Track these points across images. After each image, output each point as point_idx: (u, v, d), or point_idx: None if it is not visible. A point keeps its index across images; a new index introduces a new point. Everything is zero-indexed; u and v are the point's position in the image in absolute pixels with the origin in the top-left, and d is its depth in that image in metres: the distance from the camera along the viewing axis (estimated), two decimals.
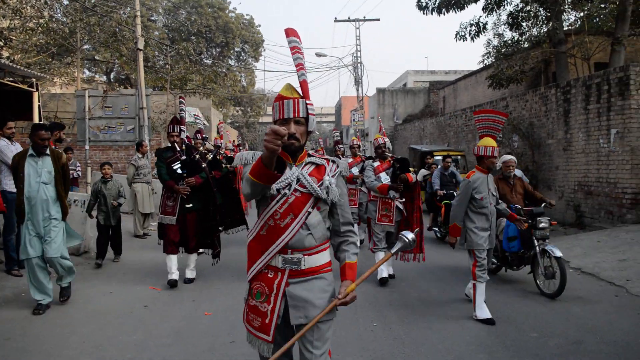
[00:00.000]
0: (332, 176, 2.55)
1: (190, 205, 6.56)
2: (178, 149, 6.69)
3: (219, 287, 6.55)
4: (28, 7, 17.68)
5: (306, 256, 2.47)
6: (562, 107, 12.35)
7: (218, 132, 13.08)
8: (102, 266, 7.68)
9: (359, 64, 29.18)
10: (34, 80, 11.94)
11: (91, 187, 6.77)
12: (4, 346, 4.53)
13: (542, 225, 6.39)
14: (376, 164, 7.08)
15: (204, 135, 9.15)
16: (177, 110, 22.31)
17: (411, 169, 7.00)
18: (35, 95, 11.89)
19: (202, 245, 6.85)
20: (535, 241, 6.41)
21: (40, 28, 18.28)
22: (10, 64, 11.42)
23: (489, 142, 5.62)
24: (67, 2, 20.37)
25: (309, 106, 2.53)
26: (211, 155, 7.86)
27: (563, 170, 12.27)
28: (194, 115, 12.36)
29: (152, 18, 37.49)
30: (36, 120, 11.93)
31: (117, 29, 18.79)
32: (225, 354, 4.32)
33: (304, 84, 2.58)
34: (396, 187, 6.77)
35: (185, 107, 7.36)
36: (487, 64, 18.69)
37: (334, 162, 2.61)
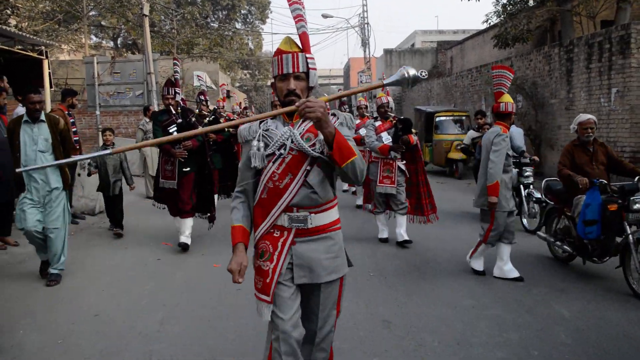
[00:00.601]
0: None
1: (188, 168, 6.49)
2: (173, 111, 6.56)
3: (227, 243, 6.76)
4: None
5: (313, 214, 2.40)
6: (565, 66, 12.42)
7: (221, 94, 13.08)
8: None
9: (365, 25, 28.99)
10: (43, 48, 12.19)
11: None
12: (32, 295, 4.94)
13: (637, 206, 4.86)
14: (377, 123, 6.87)
15: (206, 97, 9.17)
16: (186, 76, 22.58)
17: (413, 130, 6.80)
18: (45, 63, 12.13)
19: (197, 209, 6.74)
20: (628, 227, 4.91)
21: None
22: (20, 33, 11.67)
23: (508, 98, 5.44)
24: None
25: (309, 60, 2.40)
26: (209, 119, 7.82)
27: (565, 130, 12.42)
28: (197, 76, 12.11)
29: None
30: (47, 87, 12.24)
31: None
32: (232, 303, 4.70)
33: (303, 37, 2.44)
34: (397, 147, 6.57)
35: (179, 68, 7.05)
36: (492, 23, 18.55)
37: (334, 114, 2.46)
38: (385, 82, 2.36)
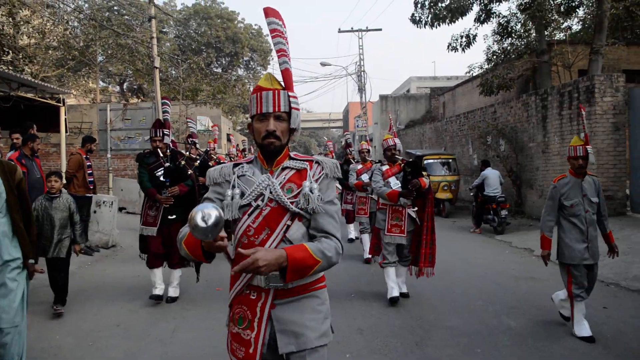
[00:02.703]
0: (316, 180, 2.17)
1: (174, 216, 6.05)
2: (161, 154, 6.14)
3: (204, 306, 6.03)
4: (48, 24, 19.15)
5: None
6: (540, 112, 13.48)
7: (211, 136, 12.75)
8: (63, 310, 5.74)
9: (362, 72, 30.41)
10: (60, 96, 13.31)
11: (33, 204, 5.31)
12: None
13: None
14: (385, 167, 6.33)
15: (196, 139, 9.03)
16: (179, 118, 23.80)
17: (424, 172, 6.22)
18: (62, 110, 13.24)
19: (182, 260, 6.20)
20: None
21: (59, 44, 19.67)
22: (42, 83, 12.76)
23: (575, 140, 5.10)
24: (83, 17, 21.79)
25: (292, 99, 2.18)
26: (199, 161, 7.44)
27: (542, 171, 13.38)
28: (187, 119, 12.27)
29: (164, 30, 39.02)
30: (63, 131, 13.30)
31: (133, 47, 20.21)
32: None
33: (286, 73, 2.24)
34: (408, 193, 5.91)
35: (169, 108, 6.74)
36: (473, 74, 19.79)
37: (318, 163, 2.22)
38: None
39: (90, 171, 8.75)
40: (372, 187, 7.53)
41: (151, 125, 6.52)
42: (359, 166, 8.79)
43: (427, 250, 6.15)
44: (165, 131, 6.23)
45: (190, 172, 6.42)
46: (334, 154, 13.37)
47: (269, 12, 2.27)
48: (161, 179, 6.08)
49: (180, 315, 5.64)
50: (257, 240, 2.11)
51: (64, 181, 8.14)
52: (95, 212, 9.27)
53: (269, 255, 1.93)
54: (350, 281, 7.19)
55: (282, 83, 2.23)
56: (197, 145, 8.98)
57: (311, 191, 2.12)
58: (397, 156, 6.33)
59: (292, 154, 2.28)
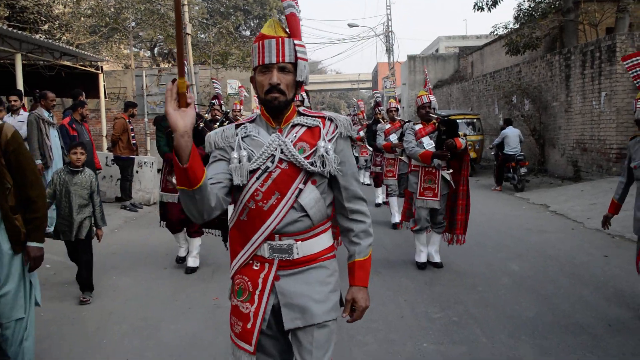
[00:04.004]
0: (330, 140, 1.99)
1: None
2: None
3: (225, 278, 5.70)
4: None
5: (299, 242, 1.96)
6: (564, 72, 13.65)
7: (238, 97, 12.29)
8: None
9: (390, 33, 30.39)
10: (99, 63, 14.06)
11: (51, 177, 5.10)
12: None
13: None
14: (418, 126, 5.89)
15: (221, 101, 8.65)
16: (221, 84, 24.36)
17: (460, 132, 5.80)
18: (101, 77, 14.02)
19: (207, 225, 5.90)
20: None
21: (92, 12, 20.31)
22: (82, 52, 13.52)
23: None
24: None
25: (298, 48, 1.95)
26: (219, 123, 7.20)
27: (564, 130, 13.64)
28: (212, 79, 12.01)
29: None
30: (102, 97, 14.10)
31: (164, 12, 20.75)
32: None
33: (291, 19, 2.02)
34: (442, 154, 5.51)
35: (186, 68, 6.38)
36: (497, 34, 19.77)
37: (331, 120, 2.05)
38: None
39: (133, 134, 9.47)
40: (401, 149, 7.41)
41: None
42: (387, 126, 8.25)
43: (462, 216, 5.82)
44: None
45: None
46: (364, 115, 13.07)
47: None
48: None
49: (200, 289, 5.31)
50: (266, 205, 1.92)
51: (110, 144, 8.75)
52: (137, 172, 10.04)
53: (361, 296, 2.06)
54: (376, 249, 6.90)
55: (288, 30, 1.99)
56: (224, 107, 8.64)
57: (327, 152, 1.95)
58: (431, 114, 5.83)
59: (300, 109, 2.09)
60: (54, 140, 6.99)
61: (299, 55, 1.95)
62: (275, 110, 1.97)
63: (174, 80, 1.61)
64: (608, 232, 7.48)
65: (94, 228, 5.11)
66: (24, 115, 7.37)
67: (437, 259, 5.97)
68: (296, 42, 1.95)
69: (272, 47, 1.91)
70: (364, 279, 2.09)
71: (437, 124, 5.79)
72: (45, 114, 6.93)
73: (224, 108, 8.60)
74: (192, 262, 5.96)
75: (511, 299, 4.89)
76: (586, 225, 8.16)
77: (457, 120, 15.84)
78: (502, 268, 5.86)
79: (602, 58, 11.83)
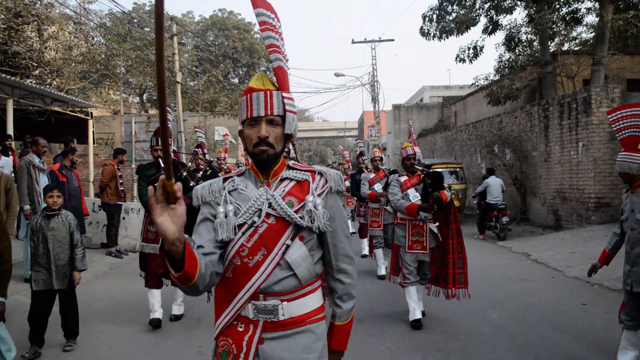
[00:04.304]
0: (319, 195, 1.95)
1: None
2: (162, 165, 5.23)
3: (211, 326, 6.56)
4: (74, 39, 20.20)
5: (285, 302, 1.88)
6: (543, 122, 14.10)
7: (222, 145, 12.12)
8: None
9: (375, 82, 31.15)
10: (89, 110, 14.27)
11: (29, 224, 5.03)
12: None
13: None
14: (403, 178, 5.84)
15: (205, 150, 8.71)
16: (208, 131, 24.81)
17: (445, 184, 5.76)
18: (90, 123, 14.20)
19: None
20: None
21: (84, 58, 20.69)
22: (72, 98, 13.74)
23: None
24: (107, 32, 22.77)
25: (286, 100, 1.95)
26: (203, 172, 7.23)
27: (544, 179, 13.98)
28: (195, 127, 11.34)
29: (182, 41, 40.24)
30: (91, 142, 14.24)
31: (154, 60, 21.19)
32: None
33: (279, 72, 2.02)
34: (429, 207, 5.44)
35: (170, 115, 6.06)
36: (479, 85, 20.42)
37: (321, 174, 2.01)
38: None
39: (122, 181, 9.59)
40: (386, 198, 7.42)
41: (153, 133, 5.86)
42: (372, 175, 8.26)
43: (455, 270, 5.53)
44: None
45: (192, 184, 5.90)
46: (350, 164, 13.00)
47: (257, 2, 2.02)
48: None
49: (184, 337, 5.29)
50: (252, 262, 1.86)
51: (97, 190, 8.76)
52: (124, 218, 10.11)
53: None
54: (361, 298, 6.79)
55: (276, 83, 2.00)
56: (207, 156, 8.63)
57: (315, 207, 1.90)
58: (416, 166, 5.82)
59: (290, 162, 2.06)
60: (44, 186, 7.07)
61: (287, 107, 1.95)
62: (264, 163, 1.94)
63: (153, 182, 1.64)
64: (587, 280, 7.68)
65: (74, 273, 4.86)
66: (4, 159, 7.49)
67: (421, 308, 5.81)
68: (284, 94, 1.95)
69: (260, 100, 1.90)
70: (341, 343, 2.06)
71: (422, 176, 5.75)
72: (36, 159, 7.05)
73: (207, 157, 8.48)
74: (177, 309, 5.88)
75: (491, 347, 4.99)
76: (566, 274, 8.33)
77: (441, 170, 16.11)
78: (483, 316, 5.98)
79: (579, 109, 12.28)
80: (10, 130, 9.79)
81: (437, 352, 4.81)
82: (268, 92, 1.92)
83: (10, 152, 8.60)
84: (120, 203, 9.63)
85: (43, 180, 7.14)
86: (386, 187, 7.38)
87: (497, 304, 6.55)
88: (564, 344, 5.05)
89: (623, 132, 4.19)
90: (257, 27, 43.74)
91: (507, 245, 11.42)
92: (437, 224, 5.71)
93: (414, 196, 5.65)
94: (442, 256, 5.72)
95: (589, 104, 11.90)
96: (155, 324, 5.56)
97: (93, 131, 14.68)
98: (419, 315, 5.66)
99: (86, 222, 8.79)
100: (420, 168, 5.84)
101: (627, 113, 4.17)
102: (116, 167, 9.54)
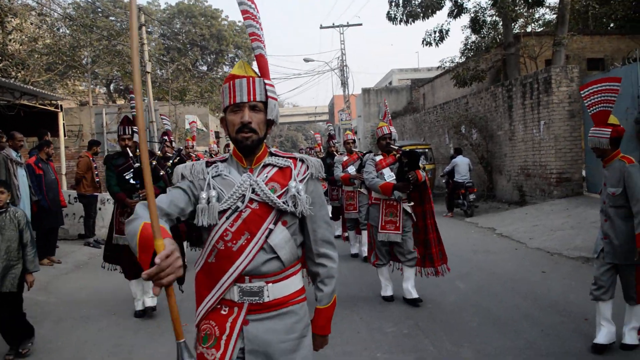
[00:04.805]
0: (301, 180, 2.01)
1: None
2: (130, 154, 5.54)
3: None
4: (39, 30, 19.92)
5: (270, 284, 1.93)
6: (507, 103, 14.57)
7: (189, 133, 11.87)
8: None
9: (344, 67, 31.40)
10: (58, 102, 14.21)
11: None
12: None
13: None
14: (378, 158, 5.82)
15: (171, 137, 8.60)
16: (179, 120, 24.78)
17: (421, 164, 5.71)
18: (60, 115, 14.15)
19: None
20: None
21: (49, 50, 20.43)
22: (42, 91, 13.67)
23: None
24: (73, 23, 22.48)
25: (268, 87, 2.00)
26: (172, 160, 6.89)
27: (509, 157, 14.49)
28: (161, 115, 11.25)
29: (149, 30, 39.76)
30: (62, 135, 14.21)
31: (122, 51, 21.06)
32: None
33: (260, 59, 2.09)
34: (404, 186, 5.44)
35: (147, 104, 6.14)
36: (445, 68, 20.86)
37: (302, 161, 2.08)
38: None
39: (97, 172, 9.70)
40: (360, 180, 7.53)
41: (119, 122, 5.84)
42: (345, 158, 8.26)
43: (436, 248, 5.75)
44: (135, 129, 5.55)
45: (162, 172, 5.81)
46: (321, 148, 13.01)
47: None
48: (131, 181, 5.50)
49: (158, 329, 5.20)
50: (235, 246, 1.91)
51: (73, 182, 8.84)
52: (100, 209, 10.23)
53: (318, 343, 2.17)
54: (338, 279, 7.60)
55: (257, 71, 2.08)
56: (174, 144, 8.53)
57: (298, 192, 1.96)
58: (392, 146, 5.79)
59: (272, 149, 2.12)
60: (22, 179, 7.20)
61: (269, 94, 1.99)
62: (247, 149, 1.99)
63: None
64: (547, 250, 8.18)
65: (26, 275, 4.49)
66: None
67: (414, 294, 5.67)
68: (266, 81, 2.01)
69: (243, 86, 1.95)
70: (324, 327, 2.14)
71: (397, 155, 5.73)
72: (13, 154, 7.15)
73: (174, 145, 8.36)
74: (150, 301, 5.63)
75: (456, 313, 5.38)
76: (528, 245, 8.81)
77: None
78: (450, 286, 6.37)
79: (540, 89, 12.76)
80: None
81: (407, 320, 5.18)
82: (250, 78, 1.97)
83: None
84: (96, 194, 9.76)
85: (21, 174, 7.24)
86: (360, 169, 7.47)
87: (463, 274, 6.97)
88: (524, 307, 5.47)
89: (595, 107, 4.21)
90: (224, 14, 43.70)
91: (474, 222, 11.91)
92: (412, 203, 5.74)
93: (389, 176, 5.66)
94: (423, 237, 5.82)
95: (549, 84, 12.39)
96: (141, 316, 5.56)
97: (64, 124, 14.64)
98: (390, 293, 5.87)
99: (63, 213, 8.90)
100: (396, 148, 5.82)
101: (599, 88, 4.17)
102: (91, 158, 9.65)
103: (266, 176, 2.00)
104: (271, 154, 2.09)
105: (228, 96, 1.97)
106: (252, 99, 1.95)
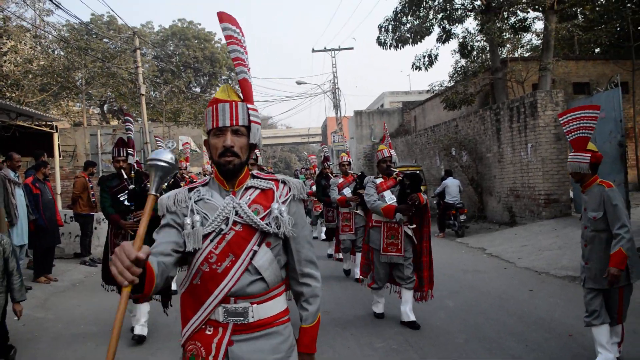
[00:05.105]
0: (283, 202, 2.06)
1: None
2: (125, 176, 5.62)
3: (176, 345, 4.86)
4: (34, 52, 20.15)
5: (255, 305, 1.96)
6: (495, 126, 14.90)
7: (183, 155, 12.09)
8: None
9: (336, 90, 31.81)
10: (54, 123, 14.38)
11: None
12: None
13: None
14: (379, 180, 5.86)
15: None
16: (173, 141, 24.96)
17: (422, 187, 5.61)
18: (55, 136, 14.30)
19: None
20: None
21: (44, 72, 20.63)
22: (38, 112, 13.83)
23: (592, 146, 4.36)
24: (67, 45, 22.73)
25: (251, 112, 2.03)
26: (167, 183, 6.97)
27: (499, 179, 14.76)
28: (155, 137, 11.27)
29: (142, 51, 40.16)
30: (57, 156, 14.34)
31: (116, 72, 21.31)
32: None
33: (244, 84, 2.09)
34: (407, 208, 5.46)
35: (132, 126, 6.24)
36: (434, 92, 21.25)
37: (284, 183, 2.12)
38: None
39: (93, 192, 9.85)
40: (356, 202, 7.67)
41: (114, 144, 5.88)
42: (340, 180, 8.29)
43: (427, 272, 5.75)
44: (129, 150, 5.67)
45: (157, 194, 5.95)
46: (316, 169, 13.06)
47: (223, 17, 2.10)
48: (125, 203, 5.52)
49: (155, 344, 5.27)
50: (220, 268, 1.92)
51: (70, 202, 8.98)
52: (96, 228, 10.35)
53: None
54: (327, 293, 7.23)
55: (241, 95, 2.10)
56: None
57: (281, 214, 2.00)
58: (392, 169, 5.82)
59: (254, 172, 2.15)
60: (20, 199, 7.34)
61: (252, 118, 2.02)
62: (230, 172, 2.01)
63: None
64: (535, 270, 8.37)
65: (12, 303, 4.36)
66: None
67: (412, 317, 5.63)
68: (249, 106, 2.03)
69: (225, 110, 1.97)
70: (310, 346, 2.13)
71: (398, 178, 5.75)
72: (11, 174, 7.30)
73: None
74: (139, 329, 5.46)
75: (444, 329, 5.54)
76: (517, 265, 9.01)
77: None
78: (439, 304, 6.52)
79: (526, 113, 13.09)
80: None
81: (396, 336, 5.33)
82: (233, 103, 1.99)
83: None
84: (92, 214, 9.89)
85: (19, 194, 7.39)
86: (355, 190, 7.62)
87: (453, 292, 7.13)
88: (510, 324, 5.64)
89: (573, 133, 4.29)
90: (217, 37, 44.15)
91: (465, 242, 12.11)
92: (414, 226, 5.72)
93: (390, 198, 5.66)
94: (417, 259, 5.78)
95: (535, 108, 12.72)
96: (139, 340, 5.38)
97: (59, 144, 14.80)
98: (381, 310, 5.98)
99: (60, 232, 9.03)
100: (397, 171, 5.84)
101: (577, 115, 4.26)
102: (87, 179, 9.81)
103: (249, 198, 2.03)
104: (253, 176, 2.11)
105: (211, 120, 2.00)
106: (234, 124, 1.98)
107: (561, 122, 4.42)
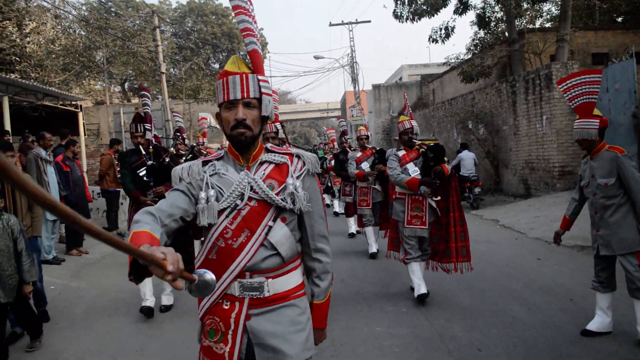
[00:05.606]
0: (298, 177, 2.03)
1: None
2: (143, 152, 5.58)
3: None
4: (56, 32, 20.58)
5: (270, 279, 1.96)
6: (511, 98, 14.97)
7: (200, 130, 11.82)
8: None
9: (354, 64, 31.82)
10: (78, 102, 14.85)
11: None
12: None
13: None
14: (401, 152, 5.69)
15: (184, 134, 8.52)
16: (193, 118, 25.38)
17: (445, 158, 5.56)
18: (80, 115, 14.79)
19: None
20: None
21: (66, 52, 21.08)
22: (63, 92, 14.31)
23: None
24: (88, 24, 23.15)
25: (262, 83, 1.99)
26: (185, 157, 7.07)
27: (514, 151, 14.89)
28: (172, 111, 11.39)
29: (161, 29, 40.45)
30: (82, 134, 14.84)
31: (137, 51, 21.69)
32: None
33: (254, 55, 2.07)
34: (431, 181, 5.33)
35: (149, 100, 6.10)
36: (450, 65, 21.20)
37: (298, 157, 2.09)
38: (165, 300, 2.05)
39: (119, 168, 10.27)
40: (373, 177, 7.69)
41: (131, 120, 5.85)
42: (358, 154, 8.22)
43: (458, 243, 5.54)
44: (147, 125, 5.62)
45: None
46: (335, 142, 13.08)
47: None
48: (145, 178, 5.50)
49: (174, 328, 5.20)
50: (236, 243, 1.93)
51: (97, 179, 9.48)
52: (122, 203, 10.83)
53: (317, 337, 2.18)
54: (354, 281, 6.79)
55: (251, 66, 2.05)
56: (187, 141, 8.51)
57: (296, 189, 1.98)
58: (414, 140, 5.65)
59: (268, 145, 2.13)
60: (51, 176, 7.76)
61: (263, 90, 1.98)
62: (243, 146, 1.99)
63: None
64: (546, 240, 8.60)
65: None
66: None
67: (423, 289, 5.49)
68: (260, 77, 1.99)
69: (236, 83, 1.94)
70: (321, 320, 2.17)
71: (421, 150, 5.58)
72: (43, 152, 7.72)
73: (187, 142, 8.38)
74: (166, 299, 5.68)
75: (452, 294, 5.87)
76: (528, 235, 9.25)
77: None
78: (451, 274, 6.81)
79: (542, 85, 13.15)
80: (7, 125, 10.40)
81: (405, 300, 5.69)
82: (244, 75, 1.96)
83: None
84: (118, 190, 10.35)
85: (50, 172, 7.80)
86: (373, 164, 7.65)
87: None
88: (515, 289, 5.94)
89: (577, 99, 4.18)
90: None
91: (479, 214, 12.35)
92: (439, 197, 5.58)
93: (414, 170, 5.52)
94: (441, 231, 5.65)
95: (550, 80, 12.77)
96: (147, 312, 5.40)
97: (84, 123, 15.28)
98: (424, 290, 5.46)
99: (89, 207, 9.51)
100: (419, 142, 5.67)
101: (578, 81, 4.16)
102: (113, 156, 10.25)
103: (263, 173, 2.01)
104: (267, 151, 2.10)
105: (222, 93, 1.97)
106: (245, 96, 1.95)
107: (561, 89, 4.37)
